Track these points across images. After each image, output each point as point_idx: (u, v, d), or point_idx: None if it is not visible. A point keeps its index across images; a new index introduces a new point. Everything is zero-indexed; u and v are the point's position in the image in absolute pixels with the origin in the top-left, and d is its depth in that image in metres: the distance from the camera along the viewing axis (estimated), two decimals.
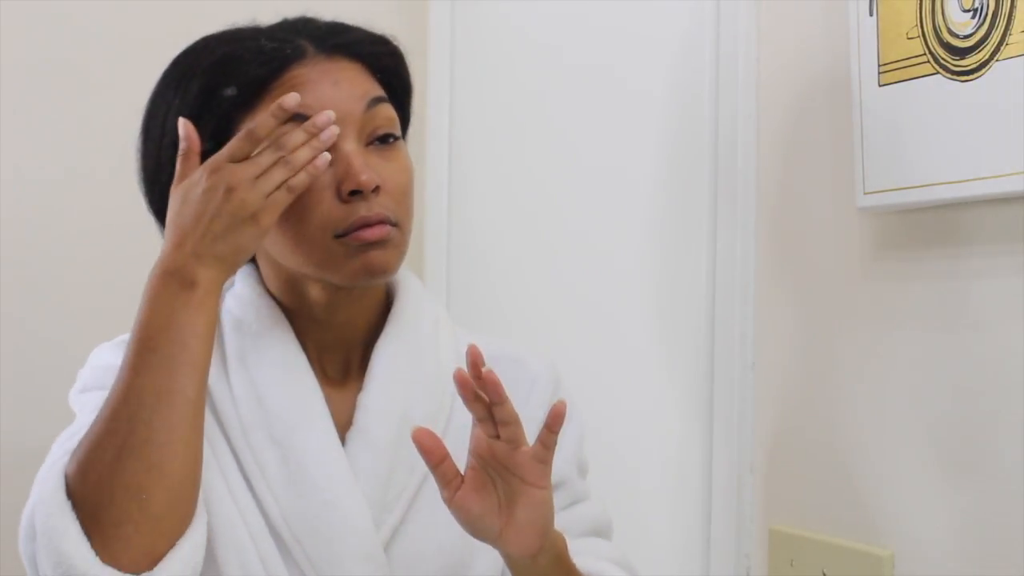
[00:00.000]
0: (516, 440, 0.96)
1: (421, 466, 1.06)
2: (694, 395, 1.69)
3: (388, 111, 1.10)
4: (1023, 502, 1.25)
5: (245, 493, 1.05)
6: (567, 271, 1.95)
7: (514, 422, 0.95)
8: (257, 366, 1.09)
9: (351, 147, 1.06)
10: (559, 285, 1.96)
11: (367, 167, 1.05)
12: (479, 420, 0.96)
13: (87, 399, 1.09)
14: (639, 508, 1.74)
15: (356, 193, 1.04)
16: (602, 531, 1.18)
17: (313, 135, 1.01)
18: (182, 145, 1.03)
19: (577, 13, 1.93)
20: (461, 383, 0.94)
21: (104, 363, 1.11)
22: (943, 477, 1.35)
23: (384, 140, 1.09)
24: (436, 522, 1.03)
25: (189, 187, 1.01)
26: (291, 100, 1.00)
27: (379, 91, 1.10)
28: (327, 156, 1.01)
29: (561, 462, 1.10)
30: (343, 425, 1.09)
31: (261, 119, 1.00)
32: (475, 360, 0.94)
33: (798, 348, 1.55)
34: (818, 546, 1.48)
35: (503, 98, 2.11)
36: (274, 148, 1.00)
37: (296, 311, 1.12)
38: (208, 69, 1.07)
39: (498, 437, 0.96)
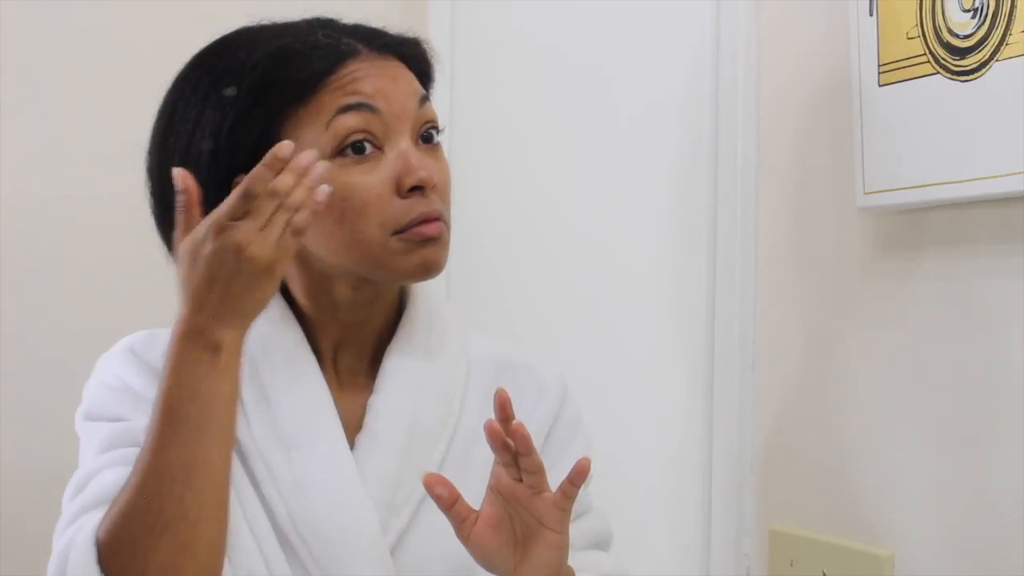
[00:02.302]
0: (539, 487, 0.98)
1: (430, 470, 1.06)
2: (694, 395, 1.69)
3: (433, 110, 1.12)
4: (1023, 503, 1.25)
5: (252, 495, 1.05)
6: (567, 272, 1.95)
7: (539, 471, 0.97)
8: (265, 367, 1.09)
9: (407, 145, 1.07)
10: (559, 286, 1.96)
11: (425, 164, 1.06)
12: (504, 465, 0.98)
13: (93, 431, 1.07)
14: (639, 508, 1.74)
15: (416, 189, 1.05)
16: (602, 543, 1.19)
17: (302, 175, 0.97)
18: (180, 198, 0.99)
19: (577, 14, 1.93)
20: (491, 434, 0.96)
21: (112, 380, 1.09)
22: (943, 477, 1.35)
23: (429, 139, 1.10)
24: (442, 527, 1.03)
25: (196, 246, 0.96)
26: (285, 149, 0.96)
27: (423, 90, 1.12)
28: (326, 189, 0.97)
29: (565, 474, 1.12)
30: (352, 428, 1.09)
31: (256, 173, 0.95)
32: (503, 404, 0.96)
33: (798, 348, 1.55)
34: (818, 546, 1.48)
35: (503, 98, 2.11)
36: (269, 196, 0.96)
37: (314, 311, 1.12)
38: (263, 61, 1.06)
39: (520, 481, 0.98)
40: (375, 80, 1.07)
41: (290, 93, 1.05)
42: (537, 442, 1.14)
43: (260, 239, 0.95)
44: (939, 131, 1.29)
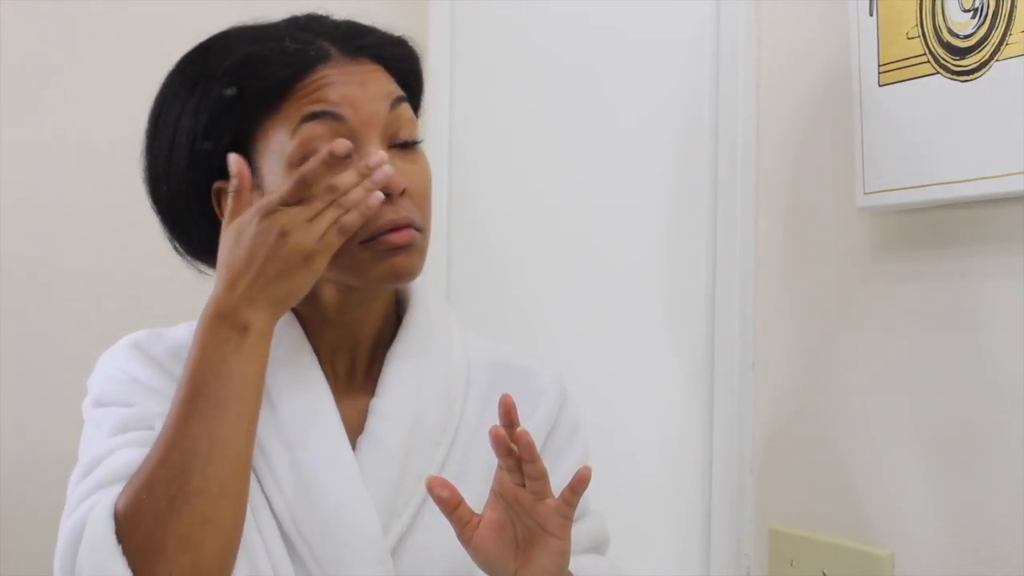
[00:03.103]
0: (542, 493, 0.99)
1: (429, 473, 1.07)
2: (694, 395, 1.69)
3: (409, 112, 1.11)
4: (1023, 502, 1.25)
5: (258, 495, 1.05)
6: (567, 271, 1.95)
7: (542, 477, 0.98)
8: (267, 369, 1.09)
9: (376, 150, 1.06)
10: (559, 286, 1.96)
11: (394, 170, 1.05)
12: (507, 471, 0.98)
13: (103, 416, 1.07)
14: (639, 508, 1.74)
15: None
16: (599, 546, 1.19)
17: (366, 175, 1.00)
18: (233, 182, 1.02)
19: (577, 13, 1.93)
20: (496, 440, 0.96)
21: (117, 373, 1.10)
22: (943, 477, 1.35)
23: (406, 144, 1.10)
24: (443, 529, 1.04)
25: (241, 228, 1.00)
26: (341, 147, 0.98)
27: (400, 91, 1.11)
28: (380, 196, 1.00)
29: (564, 477, 1.12)
30: (353, 430, 1.09)
31: (312, 165, 0.98)
32: (508, 410, 0.96)
33: (798, 348, 1.55)
34: (818, 546, 1.48)
35: (503, 98, 2.11)
36: (327, 190, 0.99)
37: (307, 312, 1.12)
38: (231, 70, 1.06)
39: (523, 486, 0.98)
40: (342, 87, 1.06)
41: (257, 101, 1.06)
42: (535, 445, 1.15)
43: (305, 228, 0.98)
44: (939, 131, 1.29)
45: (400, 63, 1.13)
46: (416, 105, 1.17)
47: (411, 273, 1.08)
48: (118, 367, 1.10)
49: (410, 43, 1.16)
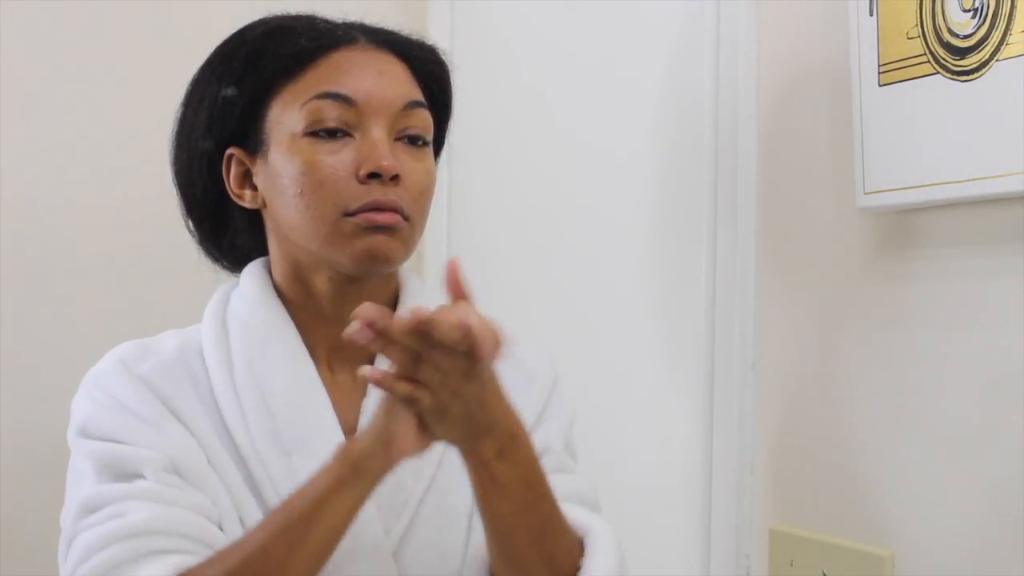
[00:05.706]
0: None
1: (426, 471, 1.07)
2: (694, 395, 1.69)
3: (426, 117, 1.12)
4: (1023, 503, 1.25)
5: (251, 500, 1.05)
6: (567, 271, 1.95)
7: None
8: (264, 373, 1.08)
9: (379, 135, 1.07)
10: (558, 285, 1.96)
11: (391, 155, 1.06)
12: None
13: (92, 450, 1.04)
14: (639, 508, 1.74)
15: (375, 177, 1.05)
16: (586, 503, 1.15)
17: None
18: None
19: (576, 13, 1.93)
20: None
21: (104, 399, 1.06)
22: (943, 477, 1.35)
23: (414, 141, 1.10)
24: (440, 527, 1.03)
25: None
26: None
27: (419, 96, 1.12)
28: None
29: (548, 432, 1.14)
30: (349, 429, 1.09)
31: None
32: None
33: (798, 348, 1.55)
34: (818, 546, 1.48)
35: (502, 98, 2.11)
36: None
37: (303, 306, 1.12)
38: (259, 37, 1.10)
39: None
40: (360, 71, 1.08)
41: (277, 66, 1.08)
42: (530, 424, 1.14)
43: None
44: (939, 131, 1.29)
45: (424, 66, 1.14)
46: (441, 120, 1.18)
47: (388, 257, 1.07)
48: (106, 391, 1.07)
49: (440, 53, 1.17)
